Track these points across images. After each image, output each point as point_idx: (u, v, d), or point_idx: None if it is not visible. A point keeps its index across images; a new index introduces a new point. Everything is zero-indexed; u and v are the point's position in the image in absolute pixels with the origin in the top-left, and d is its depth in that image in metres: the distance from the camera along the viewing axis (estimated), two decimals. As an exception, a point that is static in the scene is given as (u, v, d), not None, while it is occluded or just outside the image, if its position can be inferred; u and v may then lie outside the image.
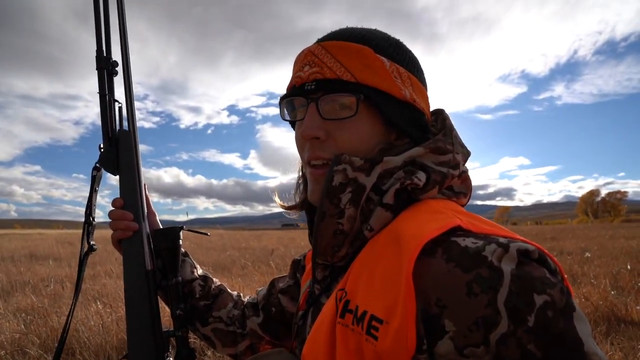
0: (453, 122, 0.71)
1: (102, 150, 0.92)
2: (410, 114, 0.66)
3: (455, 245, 0.51)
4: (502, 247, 0.49)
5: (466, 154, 0.68)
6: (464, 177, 0.68)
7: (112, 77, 0.92)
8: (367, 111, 0.65)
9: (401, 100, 0.65)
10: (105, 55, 0.92)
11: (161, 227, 0.97)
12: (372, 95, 0.63)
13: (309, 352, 0.59)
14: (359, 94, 0.63)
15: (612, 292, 4.09)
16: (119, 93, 0.93)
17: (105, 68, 0.91)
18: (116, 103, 0.93)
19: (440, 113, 0.73)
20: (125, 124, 0.94)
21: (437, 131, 0.70)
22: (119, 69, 0.93)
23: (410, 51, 0.70)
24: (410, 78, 0.67)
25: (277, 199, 0.85)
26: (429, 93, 0.73)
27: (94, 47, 0.90)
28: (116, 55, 0.93)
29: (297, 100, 0.69)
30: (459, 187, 0.67)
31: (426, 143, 0.64)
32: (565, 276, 0.53)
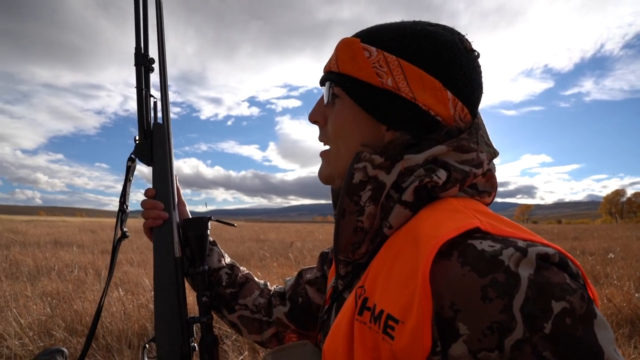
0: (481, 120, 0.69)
1: (137, 142, 0.96)
2: (391, 102, 0.64)
3: (472, 249, 0.49)
4: (520, 251, 0.47)
5: (492, 153, 0.66)
6: (489, 175, 0.67)
7: (148, 73, 0.97)
8: (346, 99, 0.68)
9: (381, 88, 0.64)
10: (143, 52, 0.96)
11: (190, 217, 0.99)
12: (344, 83, 0.67)
13: (329, 348, 0.60)
14: (332, 82, 0.69)
15: (637, 295, 4.00)
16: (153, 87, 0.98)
17: (143, 64, 0.96)
18: (151, 98, 0.97)
19: (473, 115, 0.69)
20: (159, 116, 0.98)
21: (464, 128, 0.67)
22: (155, 65, 0.97)
23: (430, 41, 0.64)
24: (403, 66, 0.63)
25: None
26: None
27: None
28: (152, 51, 0.97)
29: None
30: (483, 185, 0.66)
31: (449, 141, 0.62)
32: (589, 280, 0.51)
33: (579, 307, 0.44)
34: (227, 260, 1.03)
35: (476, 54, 0.68)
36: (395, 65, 0.63)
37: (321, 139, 0.74)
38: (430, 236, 0.52)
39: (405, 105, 0.63)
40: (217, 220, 1.02)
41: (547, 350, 0.43)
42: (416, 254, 0.53)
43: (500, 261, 0.47)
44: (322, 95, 0.73)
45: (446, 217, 0.56)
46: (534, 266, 0.46)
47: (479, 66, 0.69)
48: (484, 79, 0.70)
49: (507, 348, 0.44)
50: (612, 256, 6.91)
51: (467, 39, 0.68)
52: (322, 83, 0.74)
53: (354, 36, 0.70)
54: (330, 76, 0.70)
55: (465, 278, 0.47)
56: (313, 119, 0.75)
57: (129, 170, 0.97)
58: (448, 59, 0.64)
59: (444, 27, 0.68)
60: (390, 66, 0.63)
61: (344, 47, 0.69)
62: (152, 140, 0.96)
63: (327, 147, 0.73)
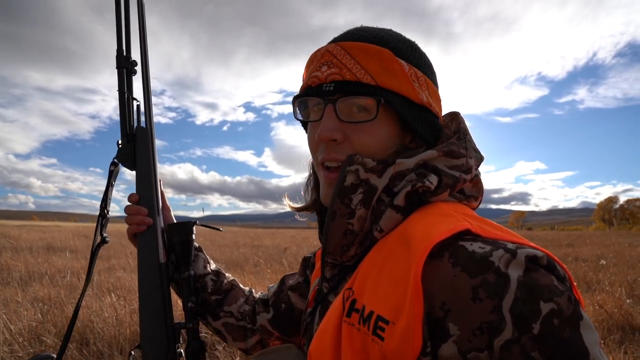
0: (468, 125, 0.71)
1: (120, 146, 0.95)
2: (426, 118, 0.66)
3: (463, 250, 0.50)
4: (510, 252, 0.48)
5: (479, 159, 0.68)
6: (476, 180, 0.68)
7: (131, 76, 0.96)
8: (385, 114, 0.65)
9: (418, 104, 0.65)
10: (125, 54, 0.95)
11: (175, 221, 0.99)
12: (391, 99, 0.63)
13: (315, 350, 0.60)
14: (379, 97, 0.62)
15: (628, 301, 4.02)
16: (137, 89, 0.96)
17: (125, 67, 0.95)
18: (134, 101, 0.96)
19: (455, 116, 0.72)
20: (142, 120, 0.97)
21: (451, 134, 0.70)
22: (138, 68, 0.96)
23: (425, 54, 0.71)
24: (427, 82, 0.67)
25: (287, 201, 0.87)
26: (441, 94, 0.73)
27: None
28: (135, 54, 0.96)
29: (312, 100, 0.68)
30: (470, 190, 0.67)
31: (439, 146, 0.64)
32: (575, 284, 0.52)
33: (566, 308, 0.45)
34: (213, 266, 1.03)
35: None
36: (423, 80, 0.66)
37: (335, 157, 0.66)
38: (421, 238, 0.53)
39: (434, 119, 0.68)
40: (202, 225, 1.02)
41: (536, 351, 0.44)
42: (407, 255, 0.53)
43: (490, 262, 0.48)
44: (332, 109, 0.65)
45: (437, 220, 0.56)
46: (523, 267, 0.47)
47: None
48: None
49: (497, 348, 0.45)
50: (604, 263, 6.94)
51: None
52: (331, 94, 0.65)
53: (366, 42, 0.65)
54: (363, 89, 0.63)
55: (457, 278, 0.48)
56: (332, 138, 0.65)
57: (112, 175, 0.96)
58: (434, 72, 0.72)
59: None
60: (419, 81, 0.66)
61: (369, 56, 0.64)
62: (135, 144, 0.95)
63: (336, 167, 0.67)
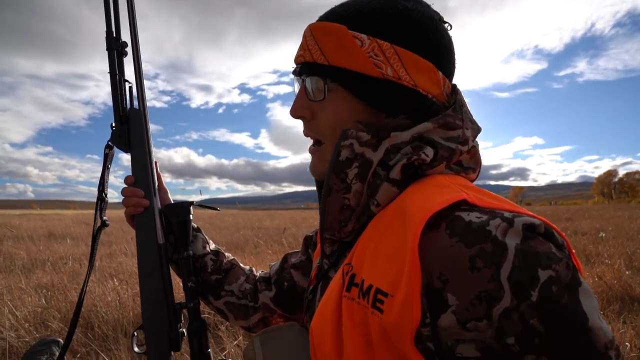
0: (467, 102, 0.69)
1: (113, 128, 0.95)
2: (394, 92, 0.63)
3: (459, 220, 0.50)
4: (507, 221, 0.48)
5: (476, 130, 0.67)
6: (473, 152, 0.67)
7: (121, 58, 0.95)
8: (342, 93, 0.65)
9: (380, 78, 0.63)
10: (114, 35, 0.94)
11: (172, 202, 0.99)
12: (340, 77, 0.64)
13: (316, 325, 0.60)
14: (326, 77, 0.65)
15: (627, 272, 4.06)
16: (129, 72, 0.96)
17: (115, 48, 0.93)
18: (126, 83, 0.96)
19: (454, 88, 0.71)
20: (135, 102, 0.96)
21: (449, 106, 0.68)
22: (129, 49, 0.95)
23: (412, 21, 0.64)
24: (399, 53, 0.63)
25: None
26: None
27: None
28: (125, 35, 0.94)
29: (297, 79, 0.73)
30: (467, 162, 0.67)
31: (435, 118, 0.63)
32: (574, 251, 0.52)
33: (565, 275, 0.46)
34: (212, 246, 1.03)
35: (447, 25, 0.68)
36: (392, 53, 0.62)
37: (308, 133, 0.71)
38: (418, 210, 0.53)
39: (407, 93, 0.63)
40: (199, 205, 1.02)
41: (535, 318, 0.44)
42: (404, 228, 0.53)
43: (487, 231, 0.48)
44: (303, 88, 0.69)
45: (433, 192, 0.56)
46: (521, 236, 0.47)
47: (451, 37, 0.69)
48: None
49: (495, 317, 0.45)
50: (604, 235, 6.99)
51: (435, 10, 0.68)
52: (299, 74, 0.70)
53: (329, 20, 0.66)
54: (316, 69, 0.66)
55: (454, 248, 0.48)
56: (298, 115, 0.70)
57: (107, 158, 0.96)
58: (434, 38, 0.65)
59: (415, 0, 0.67)
60: (386, 54, 0.62)
61: (327, 35, 0.65)
62: (129, 126, 0.94)
63: (315, 141, 0.71)
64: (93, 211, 0.95)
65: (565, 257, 0.47)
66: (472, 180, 0.68)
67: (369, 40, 0.63)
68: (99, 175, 0.96)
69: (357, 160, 0.61)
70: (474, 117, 0.68)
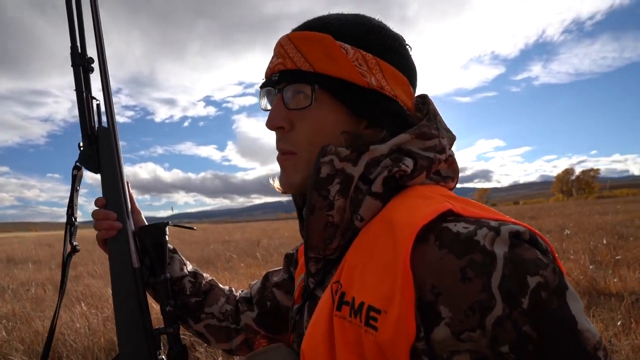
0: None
1: (81, 148, 0.90)
2: (377, 102, 0.64)
3: (447, 231, 0.50)
4: (494, 230, 0.49)
5: (452, 138, 0.68)
6: (451, 160, 0.68)
7: (88, 74, 0.91)
8: (327, 100, 0.65)
9: (365, 87, 0.63)
10: (79, 51, 0.90)
11: (146, 224, 0.95)
12: (328, 84, 0.63)
13: (308, 347, 0.58)
14: (313, 83, 0.64)
15: (591, 267, 4.22)
16: (96, 89, 0.92)
17: (80, 65, 0.90)
18: (94, 100, 0.92)
19: (424, 98, 0.72)
20: (104, 120, 0.92)
21: (422, 116, 0.68)
22: (95, 65, 0.91)
23: (388, 37, 0.68)
24: (380, 65, 0.65)
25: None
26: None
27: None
28: (90, 51, 0.91)
29: (269, 91, 0.70)
30: (446, 171, 0.67)
31: (411, 129, 0.63)
32: (557, 255, 0.53)
33: (552, 280, 0.47)
34: (190, 268, 1.00)
35: (408, 46, 0.72)
36: (374, 64, 0.64)
37: (283, 146, 0.68)
38: (405, 223, 0.53)
39: (388, 103, 0.65)
40: (175, 225, 0.98)
41: (527, 325, 0.45)
42: (393, 242, 0.53)
43: (475, 241, 0.48)
44: (281, 98, 0.67)
45: (418, 203, 0.56)
46: (508, 244, 0.48)
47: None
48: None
49: (489, 326, 0.46)
50: (568, 232, 7.26)
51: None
52: (276, 83, 0.67)
53: (311, 30, 0.66)
54: (301, 77, 0.64)
55: (444, 260, 0.48)
56: (277, 126, 0.67)
57: (75, 180, 0.91)
58: (406, 54, 0.69)
59: (381, 21, 0.70)
60: (369, 65, 0.64)
61: (311, 44, 0.65)
62: (98, 146, 0.90)
63: (287, 153, 0.68)
64: (56, 232, 0.90)
65: (551, 262, 0.49)
66: (451, 189, 0.69)
67: (353, 50, 0.64)
68: (60, 194, 0.92)
69: (338, 176, 0.61)
70: None
